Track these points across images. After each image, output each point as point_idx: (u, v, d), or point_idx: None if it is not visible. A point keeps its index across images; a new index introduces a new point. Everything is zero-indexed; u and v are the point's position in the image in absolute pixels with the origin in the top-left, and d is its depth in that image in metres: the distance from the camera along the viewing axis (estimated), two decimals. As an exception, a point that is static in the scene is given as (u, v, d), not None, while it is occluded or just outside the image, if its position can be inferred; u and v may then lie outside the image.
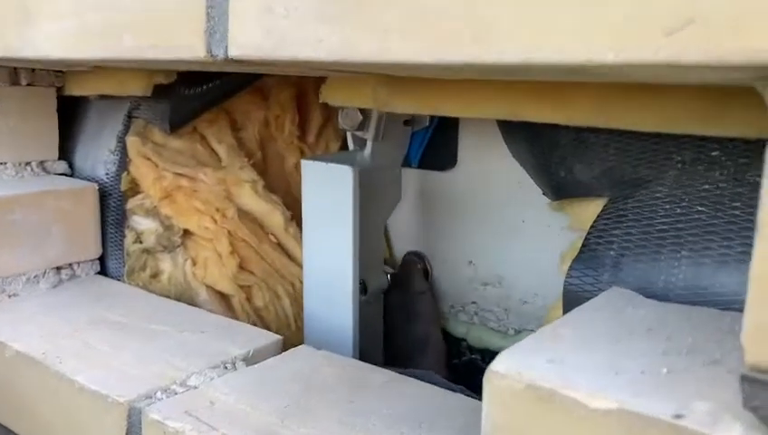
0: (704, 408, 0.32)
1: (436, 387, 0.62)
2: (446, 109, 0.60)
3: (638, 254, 0.53)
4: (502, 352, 0.40)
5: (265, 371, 0.65)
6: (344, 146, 1.00)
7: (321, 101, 0.71)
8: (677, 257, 0.51)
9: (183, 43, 0.48)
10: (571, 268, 0.56)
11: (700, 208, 0.51)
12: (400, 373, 0.66)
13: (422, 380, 0.65)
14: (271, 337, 0.72)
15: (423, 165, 0.95)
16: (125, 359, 0.68)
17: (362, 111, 0.83)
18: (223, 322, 0.77)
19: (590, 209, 0.61)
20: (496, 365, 0.39)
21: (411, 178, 0.97)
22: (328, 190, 0.80)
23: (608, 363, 0.38)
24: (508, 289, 0.92)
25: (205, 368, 0.65)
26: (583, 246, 0.56)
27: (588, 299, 0.53)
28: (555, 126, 0.63)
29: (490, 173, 0.91)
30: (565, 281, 0.56)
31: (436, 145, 0.94)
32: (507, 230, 0.91)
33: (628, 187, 0.56)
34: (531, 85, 0.56)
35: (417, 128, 0.93)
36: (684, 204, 0.52)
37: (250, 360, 0.68)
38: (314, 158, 0.82)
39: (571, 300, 0.54)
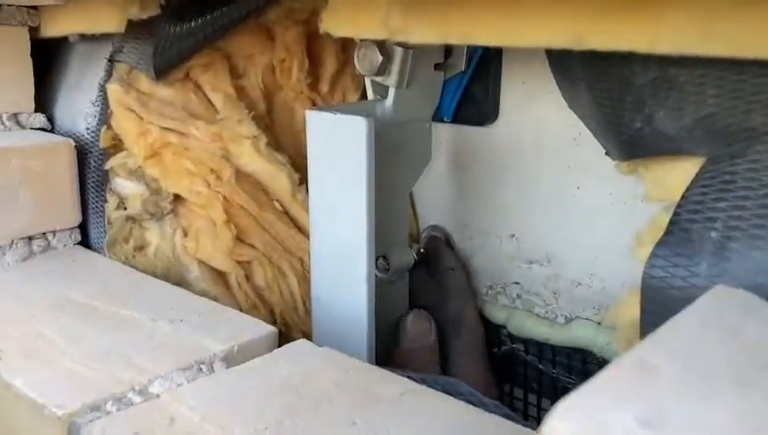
0: None
1: (463, 403, 0.47)
2: (482, 36, 0.45)
3: (754, 237, 0.37)
4: (564, 399, 0.24)
5: (248, 375, 0.51)
6: (364, 97, 0.85)
7: (322, 32, 0.56)
8: (814, 242, 0.35)
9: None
10: (653, 255, 0.41)
11: None
12: (420, 381, 0.51)
13: (447, 390, 0.50)
14: (262, 329, 0.58)
15: (457, 119, 0.79)
16: (80, 355, 0.55)
17: (383, 50, 0.68)
18: (208, 307, 0.63)
19: (676, 173, 0.45)
20: (555, 422, 0.24)
21: (443, 134, 0.82)
22: (338, 147, 0.65)
23: (739, 424, 0.23)
24: (558, 268, 0.76)
25: (173, 370, 0.52)
26: (671, 223, 0.41)
27: (679, 299, 0.37)
28: (629, 60, 0.47)
29: (539, 129, 0.75)
30: (645, 272, 0.41)
31: (473, 95, 0.78)
32: (559, 199, 0.75)
33: (735, 141, 0.41)
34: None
35: (451, 73, 0.77)
36: (822, 165, 0.36)
37: (233, 358, 0.55)
38: (322, 108, 0.68)
39: (655, 299, 0.39)
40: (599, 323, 0.73)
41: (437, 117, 0.78)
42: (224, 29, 0.72)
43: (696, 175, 0.41)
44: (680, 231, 0.40)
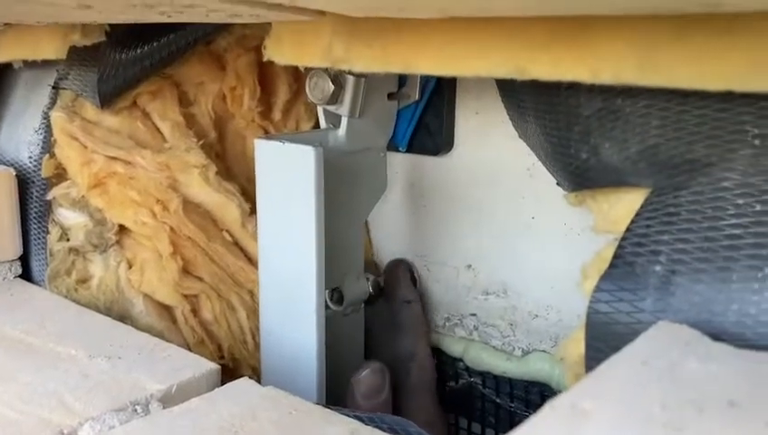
0: None
1: (410, 446, 0.45)
2: (423, 64, 0.44)
3: (698, 271, 0.36)
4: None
5: (185, 417, 0.49)
6: (317, 125, 0.83)
7: (265, 58, 0.54)
8: (758, 277, 0.34)
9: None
10: (598, 289, 0.39)
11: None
12: (368, 421, 0.49)
13: (395, 430, 0.48)
14: (204, 366, 0.56)
15: (413, 149, 0.78)
16: (9, 395, 0.52)
17: (334, 79, 0.67)
18: (149, 343, 0.61)
19: (622, 205, 0.44)
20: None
21: (398, 163, 0.80)
22: (287, 177, 0.63)
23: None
24: (515, 300, 0.75)
25: (107, 411, 0.49)
26: (616, 256, 0.40)
27: (624, 334, 0.36)
28: (575, 91, 0.47)
29: (493, 159, 0.74)
30: (589, 306, 0.39)
31: (428, 124, 0.77)
32: (514, 229, 0.74)
33: (679, 173, 0.40)
34: (543, 26, 0.39)
35: (405, 103, 0.76)
36: (765, 197, 0.35)
37: (171, 398, 0.52)
38: (271, 137, 0.66)
39: (599, 335, 0.38)
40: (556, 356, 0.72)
41: (392, 146, 0.77)
42: (171, 56, 0.70)
43: (641, 207, 0.40)
44: (624, 264, 0.39)
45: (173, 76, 0.76)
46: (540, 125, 0.52)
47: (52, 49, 0.66)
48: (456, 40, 0.42)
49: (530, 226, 0.73)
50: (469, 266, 0.78)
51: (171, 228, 0.72)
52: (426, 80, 0.75)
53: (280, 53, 0.52)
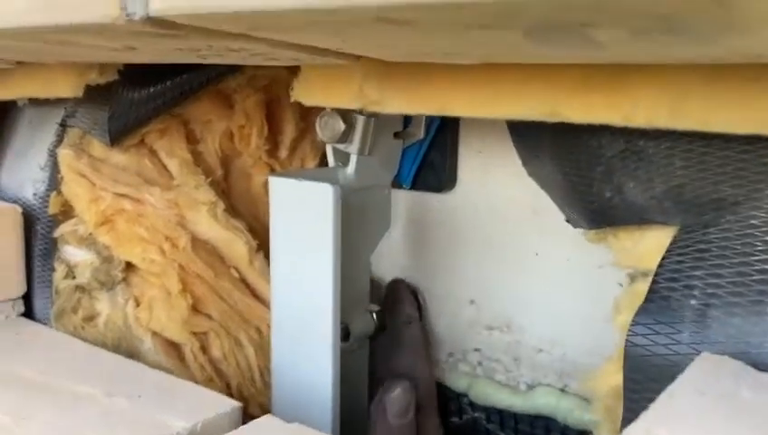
0: None
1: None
2: (458, 107, 0.45)
3: (732, 305, 0.38)
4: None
5: (215, 454, 0.49)
6: (323, 163, 0.85)
7: (293, 100, 0.56)
8: (792, 310, 0.36)
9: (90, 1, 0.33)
10: (634, 323, 0.41)
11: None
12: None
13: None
14: (227, 404, 0.56)
15: (416, 186, 0.80)
16: (31, 436, 0.51)
17: (345, 118, 0.68)
18: (167, 381, 0.60)
19: (647, 241, 0.46)
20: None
21: (402, 200, 0.82)
22: (303, 214, 0.64)
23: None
24: (518, 335, 0.76)
25: (134, 450, 0.49)
26: (651, 292, 0.41)
27: (662, 367, 0.38)
28: (596, 132, 0.49)
29: (496, 196, 0.76)
30: (627, 339, 0.41)
31: (431, 162, 0.79)
32: (517, 264, 0.76)
33: (706, 211, 0.42)
34: (577, 71, 0.41)
35: (410, 141, 0.78)
36: (794, 234, 0.38)
37: (197, 436, 0.52)
38: (285, 174, 0.67)
39: (638, 367, 0.39)
40: (561, 390, 0.73)
41: (397, 183, 0.79)
42: (183, 95, 0.71)
43: (671, 244, 0.42)
44: (660, 299, 0.40)
45: (180, 114, 0.77)
46: (557, 165, 0.53)
47: (67, 87, 0.66)
48: (489, 83, 0.44)
49: (533, 261, 0.75)
50: (472, 302, 0.79)
51: (180, 266, 0.72)
52: (431, 119, 0.77)
53: (308, 94, 0.53)
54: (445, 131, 0.78)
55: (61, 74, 0.66)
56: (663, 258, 0.42)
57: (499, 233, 0.76)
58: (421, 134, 0.77)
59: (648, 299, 0.41)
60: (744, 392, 0.31)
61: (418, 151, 0.79)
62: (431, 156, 0.79)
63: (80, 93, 0.66)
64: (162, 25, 0.33)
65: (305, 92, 0.53)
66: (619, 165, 0.47)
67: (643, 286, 0.43)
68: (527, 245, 0.75)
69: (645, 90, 0.40)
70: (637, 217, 0.47)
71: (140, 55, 0.46)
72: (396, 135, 0.76)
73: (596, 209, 0.50)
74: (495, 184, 0.76)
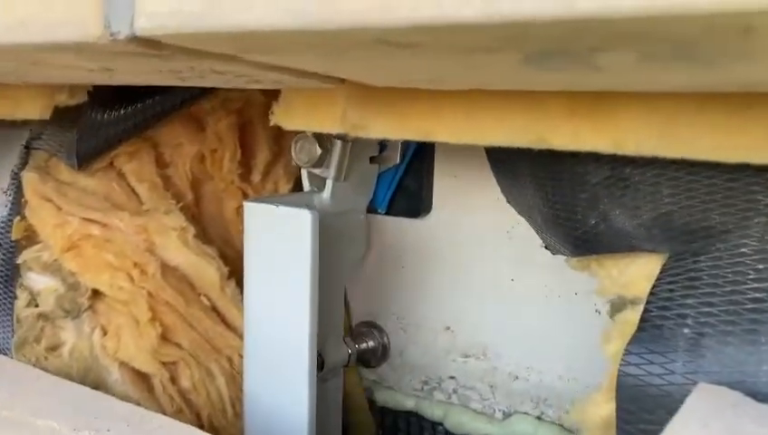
0: None
1: None
2: (443, 132, 0.45)
3: (726, 333, 0.38)
4: None
5: (191, 492, 0.47)
6: (296, 188, 0.83)
7: (272, 124, 0.54)
8: (785, 339, 0.36)
9: (68, 16, 0.32)
10: (627, 352, 0.40)
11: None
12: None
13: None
14: (200, 437, 0.54)
15: (392, 211, 0.79)
16: (-8, 475, 0.48)
17: (321, 143, 0.67)
18: (136, 414, 0.58)
19: (634, 269, 0.46)
20: None
21: (378, 225, 0.81)
22: (279, 240, 0.63)
23: None
24: (494, 361, 0.75)
25: (105, 489, 0.47)
26: (643, 320, 0.41)
27: (655, 395, 0.37)
28: (581, 159, 0.48)
29: (472, 221, 0.76)
30: (620, 369, 0.40)
31: (407, 187, 0.78)
32: (493, 291, 0.75)
33: (695, 239, 0.42)
34: (563, 97, 0.41)
35: (386, 166, 0.77)
36: (785, 263, 0.37)
37: (170, 473, 0.50)
38: (261, 199, 0.65)
39: (631, 397, 0.39)
40: (538, 418, 0.72)
41: (372, 208, 0.78)
42: (155, 118, 0.69)
43: (661, 272, 0.42)
44: (652, 328, 0.40)
45: (151, 137, 0.75)
46: (539, 191, 0.53)
47: (35, 109, 0.64)
48: (475, 109, 0.43)
49: (509, 287, 0.74)
50: (448, 328, 0.78)
51: (149, 293, 0.69)
52: (407, 143, 0.76)
53: (289, 118, 0.52)
54: (420, 156, 0.77)
55: (28, 96, 0.64)
56: (654, 286, 0.42)
57: (475, 258, 0.76)
58: (397, 159, 0.76)
59: (640, 328, 0.41)
60: (747, 426, 0.30)
61: (394, 176, 0.78)
62: (406, 181, 0.78)
63: (47, 115, 0.64)
64: (147, 45, 0.31)
65: (285, 116, 0.52)
66: (605, 192, 0.47)
67: (632, 315, 0.42)
68: (503, 270, 0.74)
69: (633, 116, 0.40)
70: (623, 245, 0.46)
71: (117, 77, 0.44)
72: (371, 160, 0.76)
73: (580, 236, 0.49)
74: (471, 209, 0.76)
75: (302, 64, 0.35)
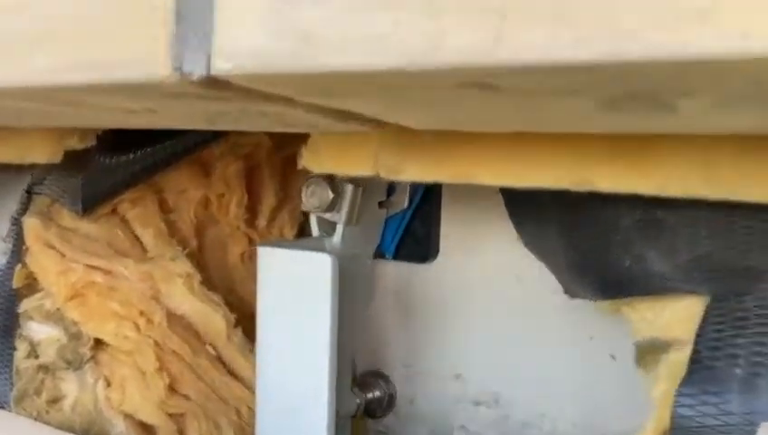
0: None
1: None
2: (483, 175, 0.45)
3: (781, 373, 0.38)
4: None
5: None
6: (300, 234, 0.82)
7: (300, 167, 0.54)
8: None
9: (130, 54, 0.31)
10: (680, 393, 0.40)
11: None
12: None
13: None
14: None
15: (398, 256, 0.78)
16: None
17: (332, 187, 0.67)
18: (150, 469, 0.56)
19: (673, 310, 0.46)
20: None
21: (385, 271, 0.80)
22: (296, 285, 0.62)
23: None
24: (506, 409, 0.74)
25: None
26: (693, 362, 0.41)
27: (714, 439, 0.37)
28: (611, 202, 0.49)
29: (481, 266, 0.76)
30: (674, 410, 0.40)
31: (414, 231, 0.78)
32: (503, 335, 0.74)
33: (737, 279, 0.42)
34: (608, 139, 0.41)
35: (394, 210, 0.77)
36: (834, 303, 0.38)
37: None
38: (276, 244, 0.65)
39: (688, 440, 0.38)
40: (551, 466, 0.71)
41: (379, 253, 0.77)
42: (165, 163, 0.68)
43: (706, 313, 0.42)
44: (704, 369, 0.40)
45: (155, 183, 0.74)
46: (566, 235, 0.53)
47: (44, 153, 0.62)
48: (518, 151, 0.44)
49: (521, 332, 0.74)
50: (458, 376, 0.77)
51: (156, 342, 0.67)
52: (414, 187, 0.76)
53: (318, 161, 0.52)
54: (427, 200, 0.77)
55: (36, 140, 0.63)
56: (700, 327, 0.42)
57: (485, 304, 0.75)
58: (405, 204, 0.76)
59: (691, 369, 0.41)
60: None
61: (401, 221, 0.78)
62: (413, 225, 0.78)
63: (58, 159, 0.62)
64: (215, 86, 0.31)
65: (313, 160, 0.52)
66: (639, 234, 0.47)
67: (676, 356, 0.42)
68: (514, 315, 0.74)
69: (677, 158, 0.40)
70: (657, 287, 0.46)
71: (154, 119, 0.43)
72: (380, 204, 0.75)
73: (611, 280, 0.49)
74: (479, 253, 0.76)
75: (359, 107, 0.35)
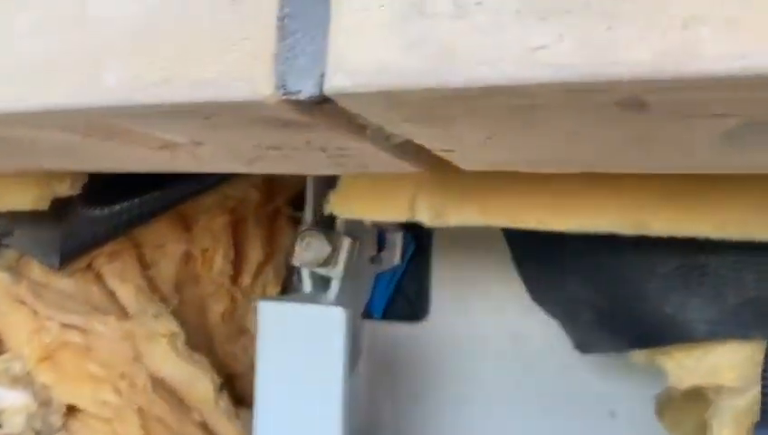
0: None
1: None
2: (531, 218, 0.43)
3: None
4: None
5: None
6: (283, 292, 0.79)
7: (327, 212, 0.51)
8: None
9: (226, 73, 0.29)
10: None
11: None
12: None
13: None
14: None
15: (387, 315, 0.76)
16: None
17: (330, 240, 0.64)
18: None
19: (717, 356, 0.45)
20: None
21: (373, 330, 0.77)
22: (303, 343, 0.58)
23: None
24: (502, 473, 0.72)
25: None
26: (765, 404, 0.40)
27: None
28: (644, 250, 0.48)
29: (473, 325, 0.74)
30: (752, 458, 0.39)
31: (403, 290, 0.76)
32: (498, 397, 0.72)
33: (790, 322, 0.42)
34: (664, 180, 0.41)
35: (384, 267, 0.75)
36: None
37: None
38: (278, 299, 0.61)
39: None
40: None
41: (367, 313, 0.74)
42: (150, 215, 0.64)
43: (766, 356, 0.42)
44: (776, 412, 0.39)
45: (133, 237, 0.70)
46: (591, 285, 0.52)
47: (27, 199, 0.57)
48: (567, 193, 0.43)
49: (516, 393, 0.72)
50: (451, 441, 0.74)
51: (140, 408, 0.62)
52: (405, 244, 0.74)
53: (348, 206, 0.49)
54: (417, 257, 0.76)
55: (18, 185, 0.57)
56: (764, 371, 0.41)
57: (477, 365, 0.73)
58: (396, 260, 0.74)
59: (764, 411, 0.40)
60: None
61: (391, 278, 0.75)
62: (403, 283, 0.76)
63: (45, 206, 0.57)
64: (315, 109, 0.29)
65: (343, 205, 0.49)
66: (679, 281, 0.46)
67: (739, 401, 0.42)
68: (509, 376, 0.72)
69: (737, 198, 0.40)
70: (703, 334, 0.46)
71: (187, 159, 0.40)
72: (372, 260, 0.73)
73: (647, 328, 0.49)
74: (471, 312, 0.74)
75: (447, 137, 0.33)
